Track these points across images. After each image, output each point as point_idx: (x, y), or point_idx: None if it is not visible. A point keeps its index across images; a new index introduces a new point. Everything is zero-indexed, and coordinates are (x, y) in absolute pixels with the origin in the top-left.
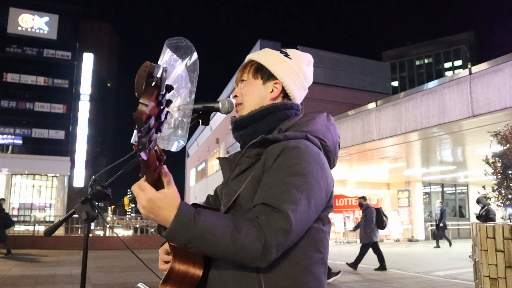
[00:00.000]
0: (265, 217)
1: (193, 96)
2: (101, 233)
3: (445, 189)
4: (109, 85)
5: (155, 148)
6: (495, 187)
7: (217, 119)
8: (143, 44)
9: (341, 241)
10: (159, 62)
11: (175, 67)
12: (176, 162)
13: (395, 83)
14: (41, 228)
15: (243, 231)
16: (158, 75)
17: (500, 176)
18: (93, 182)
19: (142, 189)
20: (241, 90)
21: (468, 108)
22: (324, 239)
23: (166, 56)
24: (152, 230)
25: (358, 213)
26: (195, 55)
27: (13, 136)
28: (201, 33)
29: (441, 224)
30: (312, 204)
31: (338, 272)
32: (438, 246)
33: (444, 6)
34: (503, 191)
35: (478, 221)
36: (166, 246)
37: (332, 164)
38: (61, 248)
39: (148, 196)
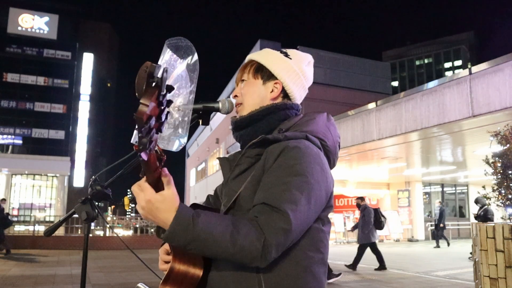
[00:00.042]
0: (265, 216)
1: (193, 96)
2: (101, 233)
3: (445, 189)
4: (109, 85)
5: (156, 149)
6: (495, 187)
7: (217, 119)
8: (143, 44)
9: (341, 241)
10: (159, 62)
11: (175, 67)
12: (176, 162)
13: (395, 83)
14: (41, 228)
15: (243, 232)
16: (159, 75)
17: (500, 176)
18: (93, 182)
19: (142, 190)
20: (241, 90)
21: (468, 108)
22: (324, 239)
23: (166, 56)
24: (152, 230)
25: (358, 213)
26: (195, 55)
27: (13, 136)
28: (201, 33)
29: (441, 225)
30: (312, 204)
31: (339, 274)
32: (438, 246)
33: (444, 6)
34: (503, 191)
35: (477, 221)
36: (166, 246)
37: (332, 164)
38: (61, 248)
39: (146, 197)
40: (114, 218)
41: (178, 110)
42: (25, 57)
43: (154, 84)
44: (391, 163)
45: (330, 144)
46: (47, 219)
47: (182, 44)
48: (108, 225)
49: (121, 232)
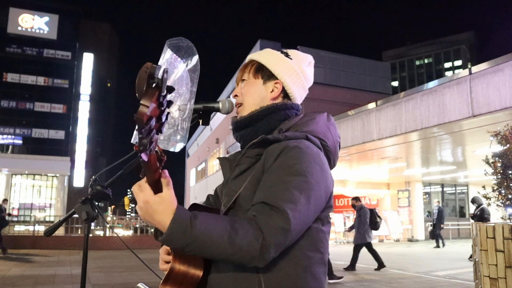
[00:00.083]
0: (264, 216)
1: (194, 96)
2: (101, 233)
3: (445, 189)
4: (109, 85)
5: (156, 149)
6: (495, 187)
7: (217, 119)
8: (143, 44)
9: (341, 241)
10: (159, 63)
11: (176, 67)
12: (176, 162)
13: (395, 83)
14: (41, 228)
15: (241, 232)
16: (159, 76)
17: (500, 176)
18: (93, 182)
19: (141, 190)
20: (241, 89)
21: (468, 108)
22: (324, 239)
23: (167, 56)
24: (152, 230)
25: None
26: (196, 56)
27: (13, 136)
28: (201, 33)
29: (441, 225)
30: (311, 204)
31: (341, 277)
32: (438, 246)
33: (444, 6)
34: (503, 191)
35: (473, 221)
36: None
37: (332, 164)
38: (61, 248)
39: (144, 198)
40: (114, 218)
41: (179, 111)
42: (25, 57)
43: (154, 85)
44: (391, 163)
45: (330, 144)
46: (47, 219)
47: (183, 45)
48: (108, 225)
49: (121, 232)
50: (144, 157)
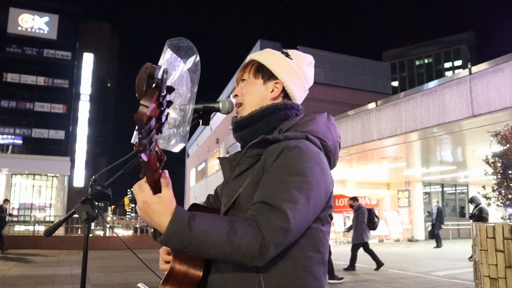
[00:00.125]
0: (264, 215)
1: (194, 97)
2: (101, 233)
3: (445, 189)
4: (109, 85)
5: (156, 149)
6: (495, 187)
7: (217, 119)
8: (143, 44)
9: (341, 241)
10: (159, 63)
11: (176, 67)
12: (176, 162)
13: (395, 83)
14: (41, 228)
15: (239, 232)
16: (159, 76)
17: (500, 176)
18: (93, 182)
19: (141, 190)
20: (241, 89)
21: (468, 108)
22: (324, 239)
23: (167, 56)
24: (152, 230)
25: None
26: (196, 56)
27: (13, 136)
28: (201, 33)
29: (441, 225)
30: (311, 204)
31: (342, 278)
32: (438, 246)
33: (444, 6)
34: (503, 191)
35: (472, 220)
36: None
37: (332, 164)
38: (61, 248)
39: (144, 198)
40: (114, 218)
41: (179, 111)
42: (25, 57)
43: (154, 85)
44: (391, 163)
45: (330, 144)
46: (47, 219)
47: (183, 45)
48: (108, 225)
49: (121, 232)
50: (144, 157)
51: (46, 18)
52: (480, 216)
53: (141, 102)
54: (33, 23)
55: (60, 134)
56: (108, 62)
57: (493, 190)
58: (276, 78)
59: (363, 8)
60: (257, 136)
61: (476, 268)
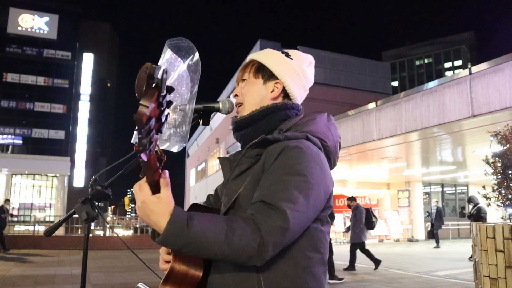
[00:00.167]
0: (263, 214)
1: (195, 97)
2: (101, 233)
3: (445, 189)
4: (109, 85)
5: (156, 149)
6: (495, 187)
7: (217, 119)
8: (143, 44)
9: (341, 241)
10: (159, 63)
11: (176, 67)
12: (176, 162)
13: (395, 83)
14: (41, 228)
15: (238, 232)
16: (159, 76)
17: (500, 176)
18: (93, 182)
19: (140, 190)
20: (241, 89)
21: (468, 108)
22: (324, 239)
23: (167, 56)
24: (151, 230)
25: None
26: (197, 56)
27: (13, 136)
28: (201, 33)
29: (442, 226)
30: (310, 203)
31: (342, 279)
32: (438, 246)
33: (444, 6)
34: (503, 191)
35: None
36: None
37: (332, 165)
38: (61, 248)
39: (142, 197)
40: (114, 218)
41: (179, 111)
42: (25, 57)
43: (154, 85)
44: (391, 163)
45: (330, 144)
46: (47, 219)
47: (183, 45)
48: (108, 225)
49: (121, 232)
50: (143, 157)
51: (46, 18)
52: (478, 215)
53: (141, 102)
54: (33, 23)
55: (60, 134)
56: (108, 62)
57: (493, 190)
58: (276, 78)
59: (363, 8)
60: (257, 136)
61: (476, 268)
